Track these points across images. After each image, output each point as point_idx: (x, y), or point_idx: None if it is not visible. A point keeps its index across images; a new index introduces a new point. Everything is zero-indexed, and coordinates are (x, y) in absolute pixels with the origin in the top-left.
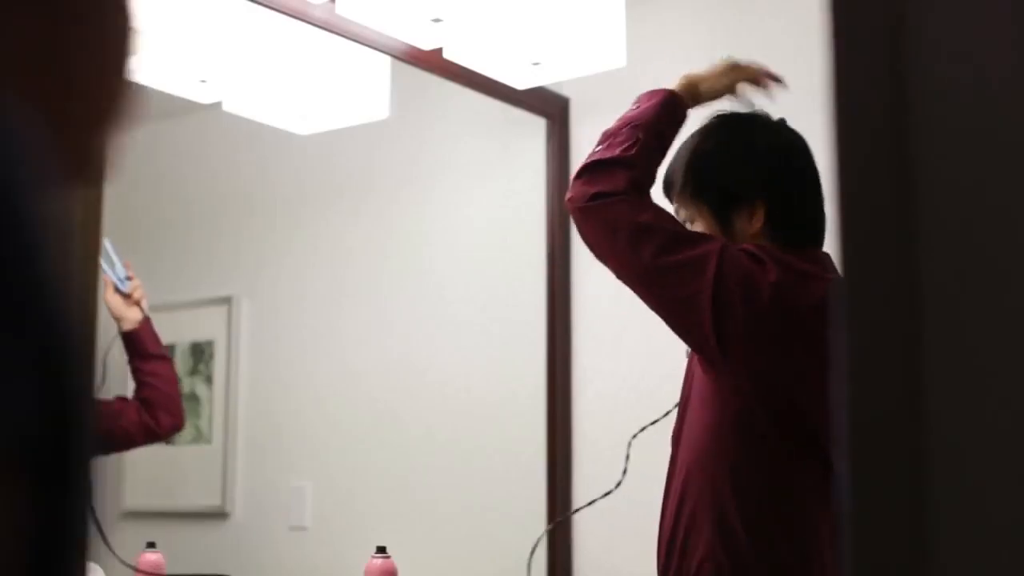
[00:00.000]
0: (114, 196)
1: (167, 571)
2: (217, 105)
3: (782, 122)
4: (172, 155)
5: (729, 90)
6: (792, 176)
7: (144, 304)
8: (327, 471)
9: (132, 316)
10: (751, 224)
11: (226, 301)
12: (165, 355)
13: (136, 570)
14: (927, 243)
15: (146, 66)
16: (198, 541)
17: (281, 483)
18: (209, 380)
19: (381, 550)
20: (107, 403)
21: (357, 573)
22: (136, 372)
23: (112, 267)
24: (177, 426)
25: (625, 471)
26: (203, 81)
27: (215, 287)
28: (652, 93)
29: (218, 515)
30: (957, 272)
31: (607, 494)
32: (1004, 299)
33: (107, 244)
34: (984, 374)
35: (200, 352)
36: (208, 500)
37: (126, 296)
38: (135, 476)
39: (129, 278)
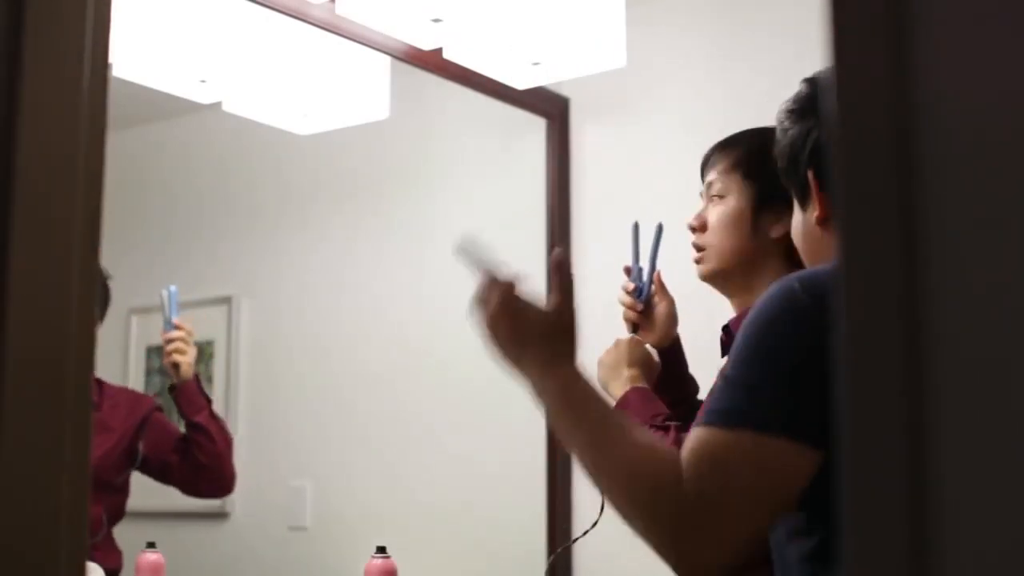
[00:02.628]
0: (114, 196)
1: (167, 571)
2: (217, 105)
3: None
4: (172, 155)
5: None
6: None
7: (182, 361)
8: (327, 471)
9: (174, 373)
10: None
11: (226, 301)
12: (201, 423)
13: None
14: (928, 244)
15: (146, 66)
16: (198, 541)
17: (281, 483)
18: (209, 380)
19: (381, 550)
20: (166, 425)
21: (357, 573)
22: (187, 435)
23: (168, 316)
24: (218, 493)
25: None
26: (203, 81)
27: (215, 287)
28: (627, 400)
29: (218, 515)
30: (958, 274)
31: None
32: (1005, 301)
33: (172, 290)
34: (984, 376)
35: (200, 352)
36: (208, 500)
37: (167, 350)
38: (135, 476)
39: (176, 327)
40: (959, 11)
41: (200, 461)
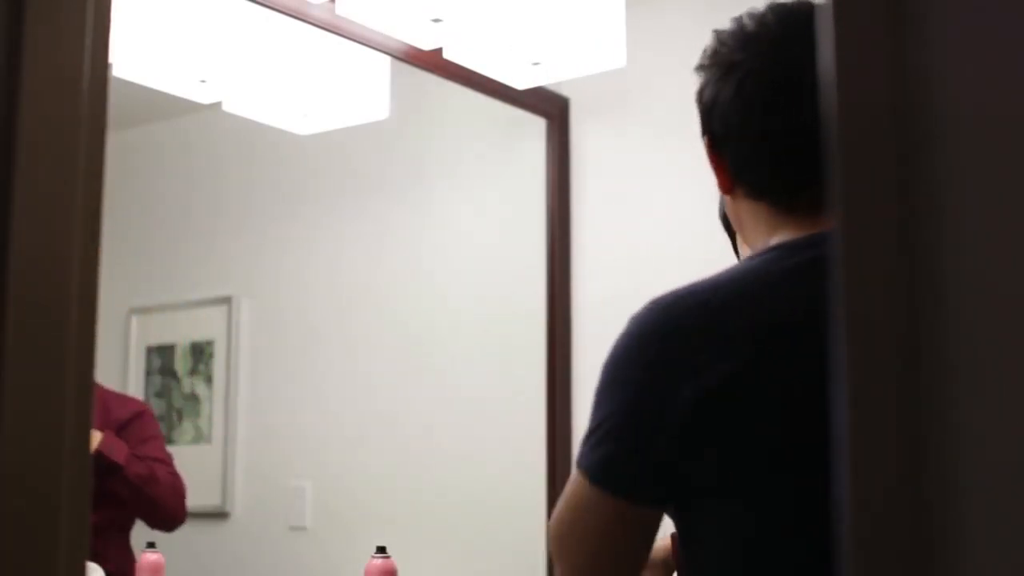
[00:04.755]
0: (115, 196)
1: (167, 571)
2: (217, 105)
3: None
4: (172, 155)
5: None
6: None
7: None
8: (327, 471)
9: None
10: None
11: (226, 301)
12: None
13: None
14: (927, 246)
15: (146, 66)
16: (198, 541)
17: (281, 483)
18: (209, 380)
19: (381, 550)
20: (149, 433)
21: (357, 573)
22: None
23: None
24: (162, 527)
25: None
26: (203, 81)
27: (215, 287)
28: None
29: (218, 515)
30: (957, 276)
31: None
32: (1005, 303)
33: None
34: (983, 379)
35: (200, 352)
36: (208, 500)
37: None
38: None
39: None
40: (958, 11)
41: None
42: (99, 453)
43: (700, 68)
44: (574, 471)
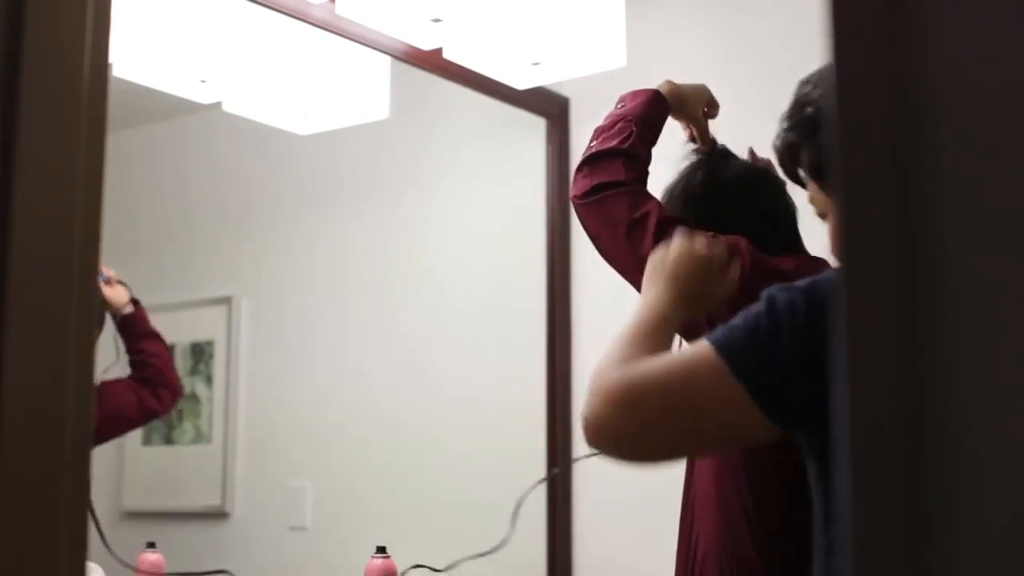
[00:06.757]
0: (115, 196)
1: (167, 571)
2: (217, 105)
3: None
4: (172, 155)
5: (704, 106)
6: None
7: (121, 281)
8: (327, 471)
9: (121, 299)
10: None
11: (226, 301)
12: (156, 332)
13: (136, 570)
14: (927, 247)
15: (146, 66)
16: (198, 541)
17: (281, 483)
18: (209, 380)
19: (381, 550)
20: (107, 383)
21: (357, 573)
22: (134, 353)
23: None
24: (176, 398)
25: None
26: (203, 81)
27: (215, 287)
28: (636, 92)
29: (218, 515)
30: (957, 277)
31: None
32: (1004, 304)
33: None
34: (983, 380)
35: (200, 352)
36: (208, 500)
37: (107, 283)
38: (135, 476)
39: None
40: (958, 11)
41: (163, 368)
42: (138, 307)
43: (793, 120)
44: None
